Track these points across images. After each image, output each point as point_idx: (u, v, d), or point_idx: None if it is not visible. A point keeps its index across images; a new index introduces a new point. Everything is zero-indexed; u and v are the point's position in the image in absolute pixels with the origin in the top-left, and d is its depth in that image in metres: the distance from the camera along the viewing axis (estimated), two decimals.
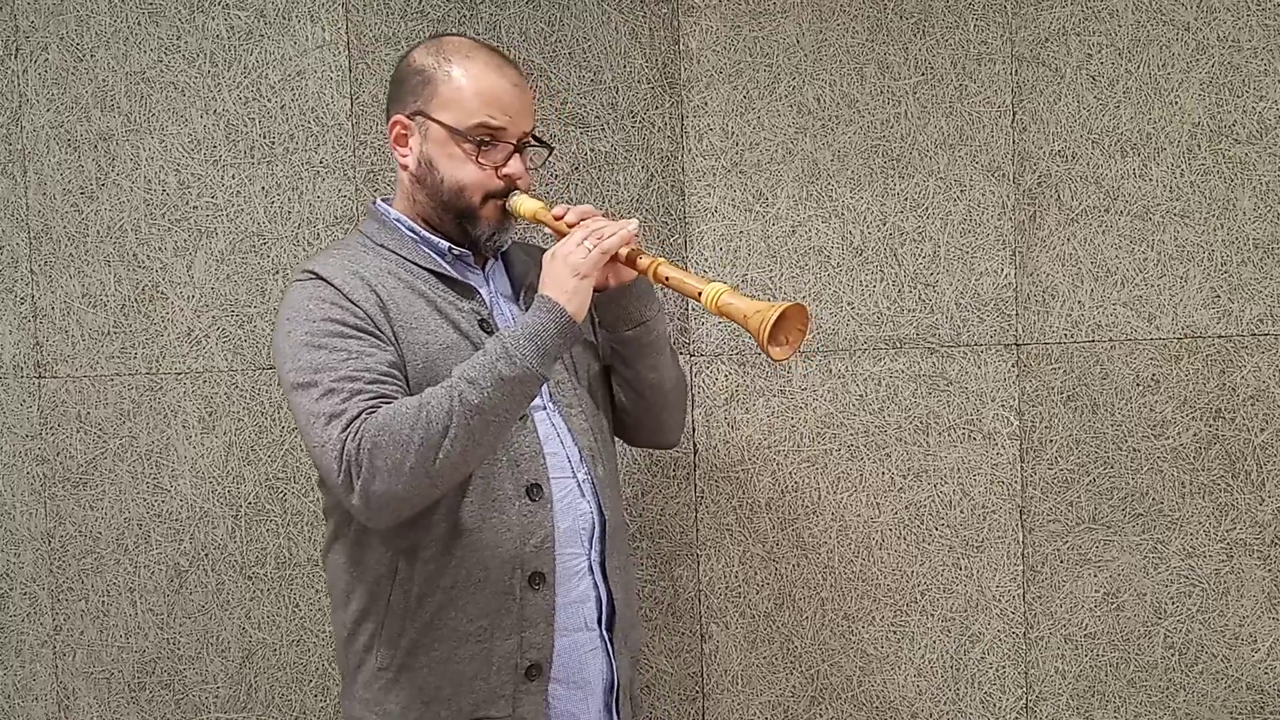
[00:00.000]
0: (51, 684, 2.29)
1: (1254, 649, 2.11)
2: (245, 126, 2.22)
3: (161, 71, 2.23)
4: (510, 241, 1.74)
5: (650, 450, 2.16)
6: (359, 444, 1.48)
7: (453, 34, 1.71)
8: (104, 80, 2.24)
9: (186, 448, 2.25)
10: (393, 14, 2.20)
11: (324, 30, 2.20)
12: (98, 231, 2.25)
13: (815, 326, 2.17)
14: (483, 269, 1.73)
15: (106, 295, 2.25)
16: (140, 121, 2.24)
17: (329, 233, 2.21)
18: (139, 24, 2.23)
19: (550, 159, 1.89)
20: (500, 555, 1.59)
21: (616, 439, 1.87)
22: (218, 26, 2.22)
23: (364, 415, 1.49)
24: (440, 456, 1.48)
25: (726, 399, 2.18)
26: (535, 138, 1.71)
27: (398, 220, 1.71)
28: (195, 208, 2.24)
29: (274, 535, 2.24)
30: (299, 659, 2.25)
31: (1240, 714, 2.11)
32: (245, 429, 2.24)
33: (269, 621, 2.25)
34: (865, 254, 2.15)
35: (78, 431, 2.26)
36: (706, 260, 2.18)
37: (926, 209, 2.14)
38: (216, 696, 2.27)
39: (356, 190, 2.21)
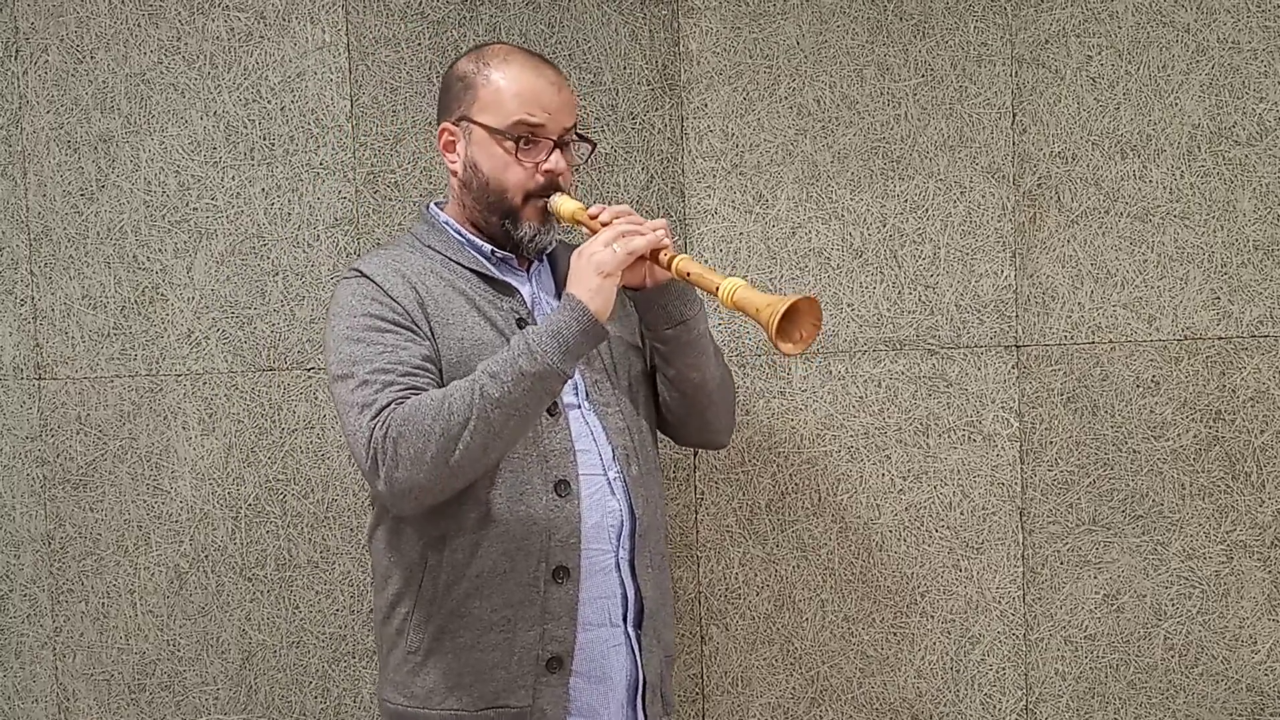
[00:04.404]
0: (51, 686, 2.29)
1: (1254, 650, 2.11)
2: (245, 128, 2.22)
3: (161, 73, 2.23)
4: (554, 243, 1.76)
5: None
6: (385, 433, 1.54)
7: (495, 42, 1.77)
8: (104, 82, 2.24)
9: (186, 449, 2.25)
10: (393, 15, 2.20)
11: (324, 32, 2.20)
12: (98, 233, 2.25)
13: None
14: (526, 270, 1.77)
15: (106, 297, 2.25)
16: (140, 123, 2.24)
17: (329, 234, 2.21)
18: (139, 26, 2.23)
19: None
20: (526, 548, 1.63)
21: (668, 439, 1.91)
22: (217, 28, 2.22)
23: (393, 405, 1.55)
24: (459, 448, 1.52)
25: None
26: (578, 133, 1.75)
27: (446, 223, 1.76)
28: (195, 209, 2.24)
29: (274, 537, 2.24)
30: (299, 660, 2.25)
31: (1240, 715, 2.11)
32: (245, 431, 2.24)
33: (269, 623, 2.25)
34: (865, 256, 2.15)
35: (78, 433, 2.26)
36: (706, 262, 2.18)
37: (926, 211, 2.14)
38: (216, 698, 2.27)
39: (356, 192, 2.21)
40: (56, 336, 2.26)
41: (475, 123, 1.70)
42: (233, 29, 2.22)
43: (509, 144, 1.68)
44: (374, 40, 2.20)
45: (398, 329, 1.62)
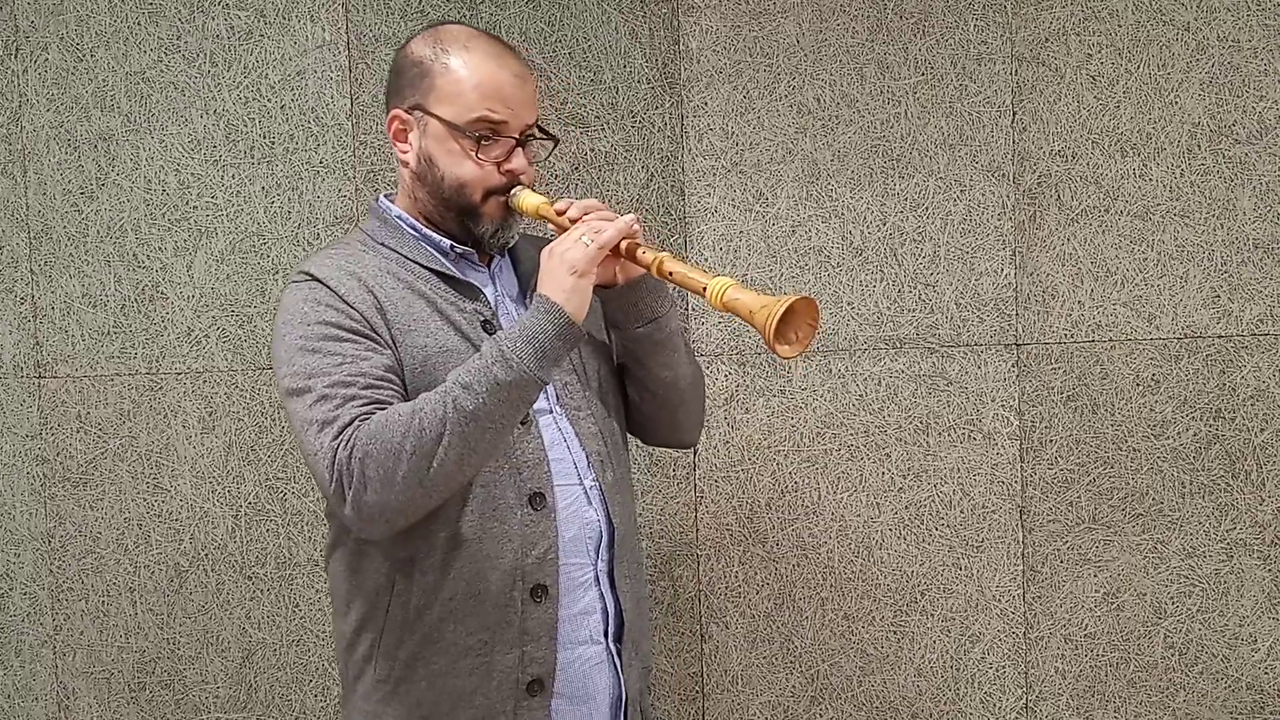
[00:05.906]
0: (51, 684, 2.30)
1: (1254, 649, 2.11)
2: (245, 126, 2.22)
3: (161, 71, 2.23)
4: (517, 237, 1.65)
5: (650, 450, 2.16)
6: (350, 452, 1.42)
7: (451, 22, 1.66)
8: (104, 80, 2.24)
9: (186, 448, 2.25)
10: (393, 14, 2.20)
11: (324, 30, 2.21)
12: (98, 231, 2.25)
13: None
14: (488, 267, 1.66)
15: (106, 295, 2.25)
16: (140, 121, 2.24)
17: (329, 233, 2.21)
18: (139, 24, 2.23)
19: (552, 157, 1.83)
20: (501, 567, 1.53)
21: (634, 439, 1.81)
22: (218, 26, 2.22)
23: (356, 422, 1.43)
24: (434, 465, 1.41)
25: (726, 399, 2.18)
26: (540, 129, 1.63)
27: (399, 217, 1.63)
28: (195, 208, 2.24)
29: (274, 535, 2.24)
30: (299, 659, 2.25)
31: (1240, 714, 2.11)
32: (245, 429, 2.24)
33: (269, 621, 2.25)
34: (865, 254, 2.15)
35: (78, 431, 2.27)
36: (706, 260, 2.18)
37: (926, 209, 2.14)
38: (216, 696, 2.27)
39: (356, 190, 2.21)
40: (56, 335, 2.26)
41: (431, 114, 1.56)
42: (233, 27, 2.22)
43: (468, 142, 1.55)
44: (374, 38, 2.20)
45: (356, 338, 1.49)
